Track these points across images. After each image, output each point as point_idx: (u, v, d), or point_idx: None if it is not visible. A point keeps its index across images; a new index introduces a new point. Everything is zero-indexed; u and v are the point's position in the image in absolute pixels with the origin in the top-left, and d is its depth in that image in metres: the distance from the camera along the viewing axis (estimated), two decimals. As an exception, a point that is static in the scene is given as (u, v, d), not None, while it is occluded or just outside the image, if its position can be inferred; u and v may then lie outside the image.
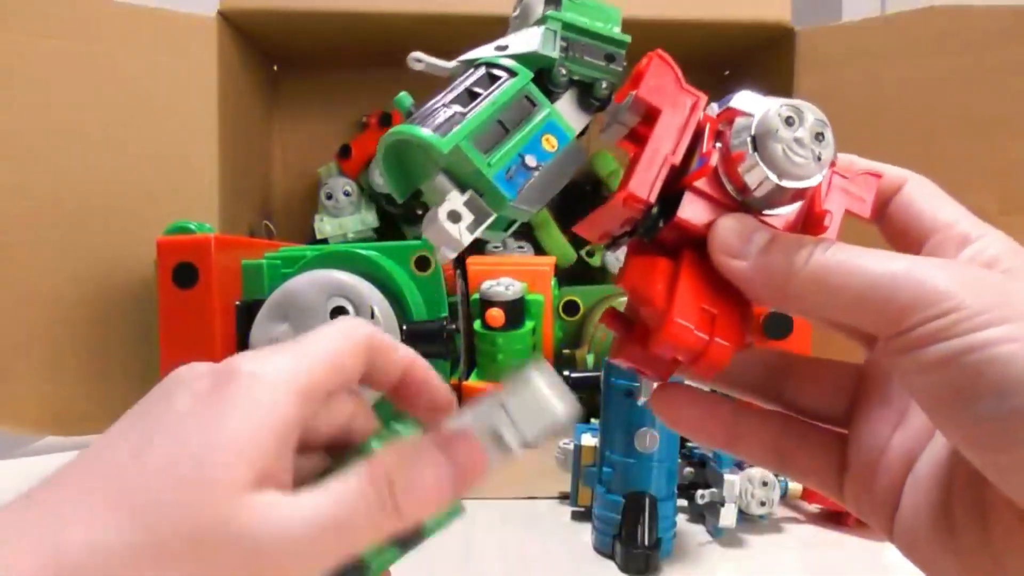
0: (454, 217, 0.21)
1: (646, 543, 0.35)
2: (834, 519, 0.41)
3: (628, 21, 0.58)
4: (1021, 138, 0.55)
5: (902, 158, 0.66)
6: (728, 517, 0.37)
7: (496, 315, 0.52)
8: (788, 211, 0.20)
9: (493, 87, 0.23)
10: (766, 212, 0.20)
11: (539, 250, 0.70)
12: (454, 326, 0.45)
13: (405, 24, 0.59)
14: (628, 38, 0.24)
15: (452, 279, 0.55)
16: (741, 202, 0.20)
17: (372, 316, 0.42)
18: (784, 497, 0.40)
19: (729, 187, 0.20)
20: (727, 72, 0.75)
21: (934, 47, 0.55)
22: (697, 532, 0.40)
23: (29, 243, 0.54)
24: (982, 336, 0.17)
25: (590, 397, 0.43)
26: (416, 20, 0.58)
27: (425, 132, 0.21)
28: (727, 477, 0.37)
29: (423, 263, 0.48)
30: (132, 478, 0.17)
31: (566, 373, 0.47)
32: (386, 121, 0.60)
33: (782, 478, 0.40)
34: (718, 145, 0.20)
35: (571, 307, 0.60)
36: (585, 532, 0.39)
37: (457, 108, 0.22)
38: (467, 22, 0.58)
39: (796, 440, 0.22)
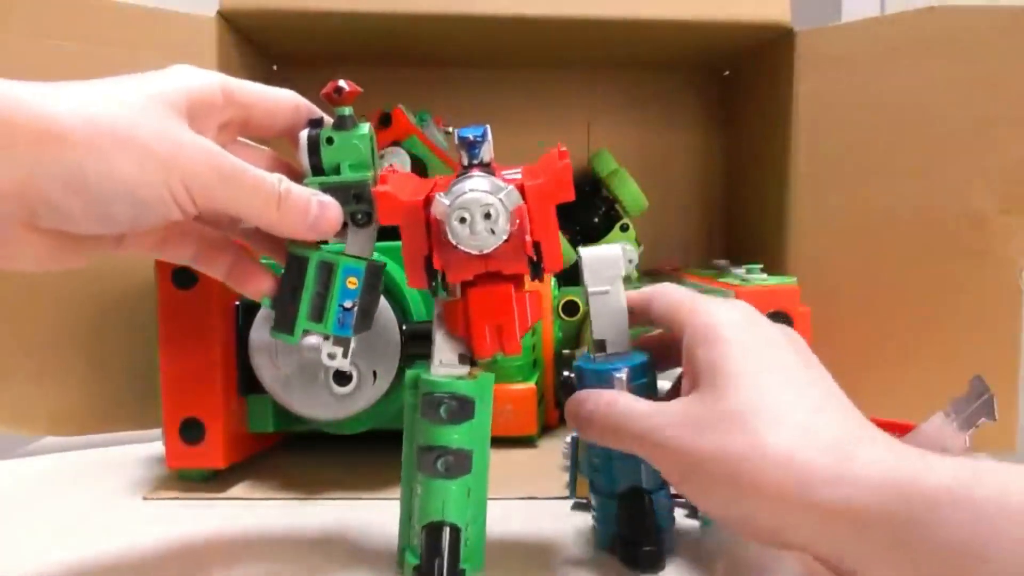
0: (332, 356, 0.33)
1: (649, 539, 0.35)
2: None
3: (628, 21, 0.58)
4: (1021, 138, 0.55)
5: (902, 158, 0.66)
6: None
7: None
8: (506, 241, 0.30)
9: (303, 275, 0.33)
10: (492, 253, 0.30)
11: (539, 250, 0.69)
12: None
13: (405, 24, 0.59)
14: (365, 176, 0.33)
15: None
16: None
17: (372, 316, 0.42)
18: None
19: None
20: (727, 72, 0.75)
21: (934, 47, 0.56)
22: (691, 527, 0.40)
23: (29, 243, 0.54)
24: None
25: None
26: (416, 20, 0.58)
27: (282, 334, 0.33)
28: None
29: (423, 263, 0.48)
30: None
31: (565, 374, 0.46)
32: (385, 121, 0.60)
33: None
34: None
35: (571, 307, 0.60)
36: (586, 528, 0.39)
37: (289, 306, 0.33)
38: (467, 22, 0.58)
39: None
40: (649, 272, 0.71)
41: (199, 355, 0.43)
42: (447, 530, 0.31)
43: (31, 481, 0.49)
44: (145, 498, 0.45)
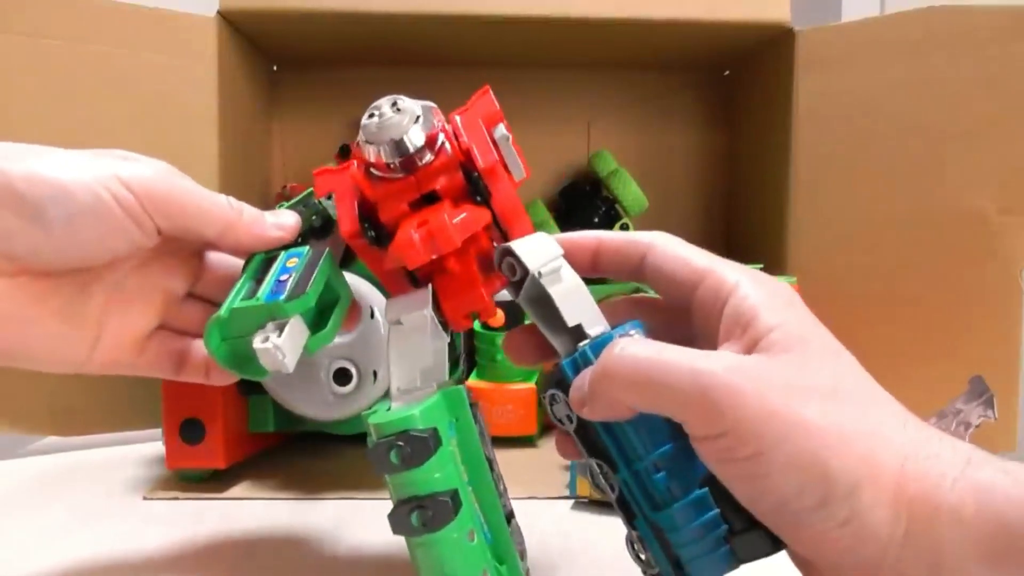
0: (263, 338, 0.29)
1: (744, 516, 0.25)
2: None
3: (628, 21, 0.58)
4: (1021, 138, 0.55)
5: (902, 158, 0.66)
6: None
7: (496, 315, 0.52)
8: (430, 158, 0.29)
9: (244, 269, 0.33)
10: (421, 164, 0.29)
11: (539, 250, 0.69)
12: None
13: (405, 24, 0.59)
14: (309, 190, 0.36)
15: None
16: (402, 174, 0.29)
17: (372, 316, 0.42)
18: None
19: (392, 170, 0.29)
20: (727, 72, 0.75)
21: (934, 47, 0.56)
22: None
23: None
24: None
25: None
26: (416, 20, 0.58)
27: (210, 318, 0.30)
28: None
29: (423, 263, 0.47)
30: None
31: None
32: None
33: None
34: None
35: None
36: (587, 529, 0.39)
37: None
38: (467, 22, 0.58)
39: None
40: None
41: (199, 355, 0.43)
42: None
43: (32, 481, 0.49)
44: (145, 498, 0.45)
